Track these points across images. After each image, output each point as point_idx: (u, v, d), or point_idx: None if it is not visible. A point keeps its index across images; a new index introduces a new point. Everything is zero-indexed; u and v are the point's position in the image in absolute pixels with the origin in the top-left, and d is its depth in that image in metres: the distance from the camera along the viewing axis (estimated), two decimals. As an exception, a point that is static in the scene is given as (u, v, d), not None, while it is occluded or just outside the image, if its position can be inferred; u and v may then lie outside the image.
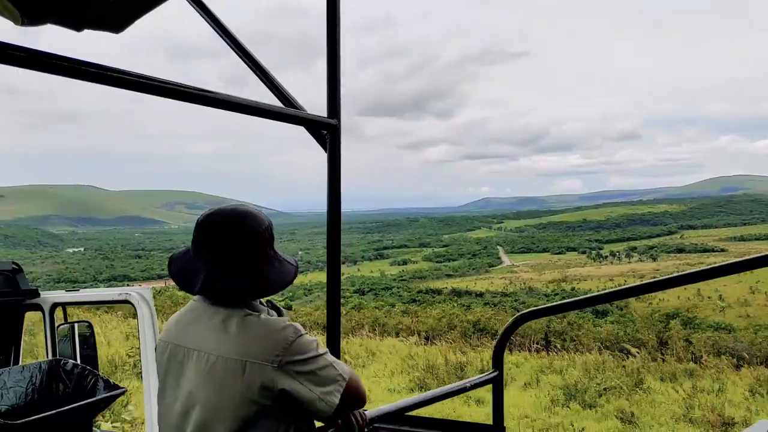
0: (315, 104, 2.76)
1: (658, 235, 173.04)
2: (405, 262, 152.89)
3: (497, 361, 2.59)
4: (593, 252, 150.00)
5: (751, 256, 2.09)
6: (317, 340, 1.74)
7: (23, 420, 2.20)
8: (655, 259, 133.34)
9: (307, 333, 1.72)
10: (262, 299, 1.84)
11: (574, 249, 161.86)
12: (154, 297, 3.21)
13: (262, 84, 2.67)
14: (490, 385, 2.62)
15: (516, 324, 2.58)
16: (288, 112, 2.50)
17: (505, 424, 2.64)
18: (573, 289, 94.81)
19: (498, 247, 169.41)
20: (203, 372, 1.65)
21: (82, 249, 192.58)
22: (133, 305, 2.99)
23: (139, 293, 3.00)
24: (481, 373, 2.72)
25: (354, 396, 1.79)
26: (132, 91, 1.76)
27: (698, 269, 2.14)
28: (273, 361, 1.60)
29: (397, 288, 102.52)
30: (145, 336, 2.94)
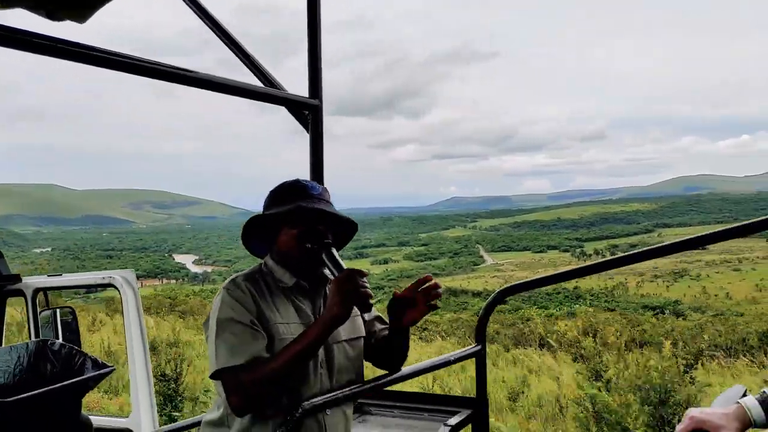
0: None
1: (636, 233, 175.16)
2: (386, 261, 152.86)
3: (480, 336, 2.65)
4: (577, 250, 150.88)
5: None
6: (231, 316, 1.65)
7: (13, 398, 2.21)
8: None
9: (239, 298, 1.68)
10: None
11: (554, 247, 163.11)
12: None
13: (244, 68, 2.68)
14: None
15: (498, 298, 2.65)
16: (269, 92, 2.51)
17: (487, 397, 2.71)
18: (575, 288, 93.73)
19: (478, 245, 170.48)
20: None
21: (49, 249, 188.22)
22: (116, 288, 2.99)
23: (122, 276, 3.00)
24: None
25: (225, 395, 1.64)
26: (110, 69, 1.74)
27: (673, 242, 2.23)
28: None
29: (390, 288, 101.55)
30: (129, 319, 2.94)
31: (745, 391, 1.52)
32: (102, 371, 2.56)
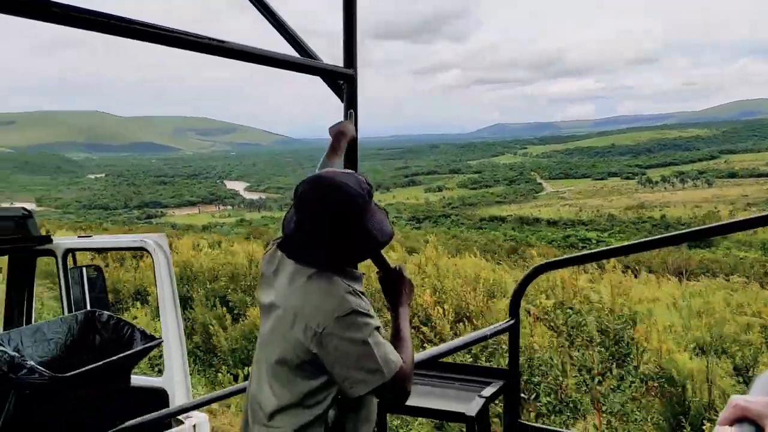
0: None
1: (700, 160, 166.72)
2: (440, 189, 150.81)
3: (514, 310, 2.63)
4: (643, 177, 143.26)
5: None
6: (374, 326, 1.67)
7: (71, 373, 2.28)
8: (710, 185, 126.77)
9: (368, 313, 1.68)
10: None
11: (615, 174, 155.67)
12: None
13: (275, 35, 2.57)
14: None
15: (534, 274, 2.61)
16: (304, 62, 2.43)
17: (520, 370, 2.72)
18: (663, 216, 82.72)
19: (533, 173, 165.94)
20: (272, 319, 1.79)
21: (103, 175, 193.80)
22: (149, 252, 2.98)
23: (154, 240, 2.97)
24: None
25: (395, 392, 1.69)
26: (142, 41, 1.70)
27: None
28: (318, 324, 1.64)
29: (456, 216, 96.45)
30: (162, 283, 2.95)
31: None
32: (150, 344, 2.62)
